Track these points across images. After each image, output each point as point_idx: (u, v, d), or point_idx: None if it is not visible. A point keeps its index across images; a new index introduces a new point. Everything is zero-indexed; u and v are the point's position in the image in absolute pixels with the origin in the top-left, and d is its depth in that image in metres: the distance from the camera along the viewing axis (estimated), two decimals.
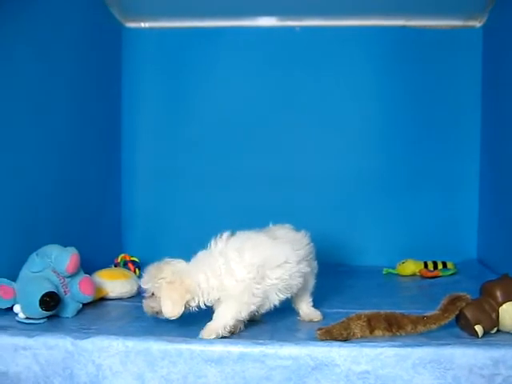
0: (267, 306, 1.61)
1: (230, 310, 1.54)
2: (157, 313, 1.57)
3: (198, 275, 1.56)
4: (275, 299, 1.61)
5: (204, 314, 1.68)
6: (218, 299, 1.56)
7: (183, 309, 1.54)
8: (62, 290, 1.71)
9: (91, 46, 2.41)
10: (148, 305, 1.59)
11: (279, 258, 1.60)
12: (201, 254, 1.62)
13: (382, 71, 2.76)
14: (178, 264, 1.59)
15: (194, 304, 1.56)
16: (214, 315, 1.56)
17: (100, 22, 2.54)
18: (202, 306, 1.57)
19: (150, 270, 1.58)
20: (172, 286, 1.53)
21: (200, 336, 1.51)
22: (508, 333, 1.54)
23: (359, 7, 2.63)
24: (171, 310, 1.53)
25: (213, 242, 1.62)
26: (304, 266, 1.67)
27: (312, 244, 1.74)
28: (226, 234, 1.62)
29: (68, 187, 2.19)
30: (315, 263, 1.76)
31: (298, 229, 1.75)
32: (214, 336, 1.50)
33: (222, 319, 1.54)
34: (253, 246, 1.59)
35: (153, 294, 1.56)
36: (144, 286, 1.58)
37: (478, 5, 2.62)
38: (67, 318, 1.71)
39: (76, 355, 1.44)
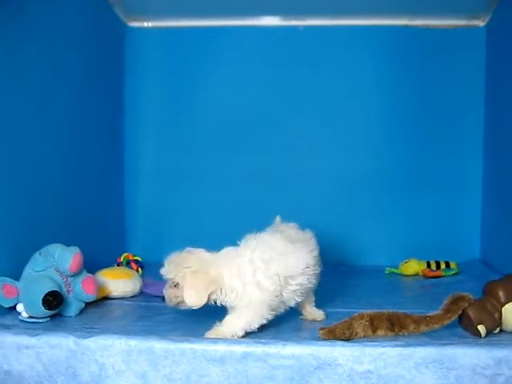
0: (282, 309, 1.62)
1: (243, 319, 1.53)
2: (179, 303, 1.56)
3: (223, 269, 1.55)
4: (292, 303, 1.62)
5: (208, 315, 1.69)
6: (234, 305, 1.56)
7: (206, 299, 1.53)
8: (65, 289, 1.72)
9: (94, 45, 2.41)
10: (171, 294, 1.57)
11: (301, 265, 1.60)
12: (228, 251, 1.60)
13: (385, 70, 2.76)
14: (203, 254, 1.58)
15: (216, 297, 1.55)
16: (225, 320, 1.55)
17: (103, 22, 2.54)
18: (218, 303, 1.57)
19: (173, 259, 1.57)
20: (197, 275, 1.52)
21: (205, 336, 1.51)
22: (511, 333, 1.54)
23: (362, 6, 2.63)
24: (195, 299, 1.53)
25: (243, 242, 1.61)
26: (317, 267, 1.68)
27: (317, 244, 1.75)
28: (252, 240, 1.61)
29: (71, 186, 2.19)
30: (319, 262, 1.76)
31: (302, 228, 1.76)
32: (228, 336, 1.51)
33: (232, 327, 1.53)
34: (279, 256, 1.58)
35: (176, 283, 1.55)
36: (167, 276, 1.56)
37: (482, 4, 2.61)
38: (70, 317, 1.71)
39: (79, 354, 1.44)
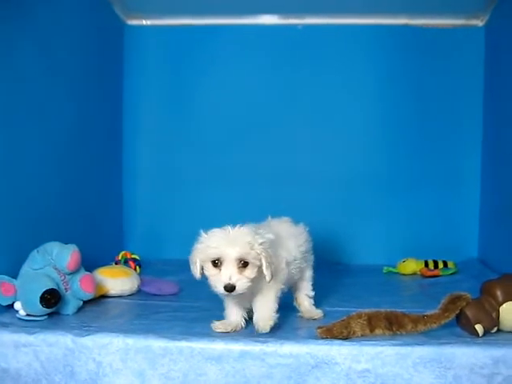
0: None
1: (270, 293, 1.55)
2: (235, 287, 1.46)
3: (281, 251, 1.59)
4: None
5: (205, 313, 1.69)
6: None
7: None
8: (63, 287, 1.71)
9: (93, 43, 2.41)
10: (234, 276, 1.46)
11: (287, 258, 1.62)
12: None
13: (385, 69, 2.75)
14: (267, 235, 1.55)
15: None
16: (258, 306, 1.55)
17: (102, 19, 2.54)
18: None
19: (247, 235, 1.50)
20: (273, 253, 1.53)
21: (260, 331, 1.50)
22: (508, 332, 1.54)
23: (362, 5, 2.63)
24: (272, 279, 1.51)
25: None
26: (304, 261, 1.71)
27: (310, 238, 1.78)
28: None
29: (69, 185, 2.19)
30: (312, 255, 1.79)
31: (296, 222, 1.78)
32: (272, 323, 1.51)
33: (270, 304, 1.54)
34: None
35: (245, 263, 1.48)
36: (242, 254, 1.47)
37: (481, 4, 2.61)
38: (68, 315, 1.71)
39: (76, 352, 1.44)
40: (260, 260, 1.49)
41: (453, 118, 2.74)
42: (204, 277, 1.53)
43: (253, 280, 1.48)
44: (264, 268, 1.49)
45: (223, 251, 1.47)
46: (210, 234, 1.52)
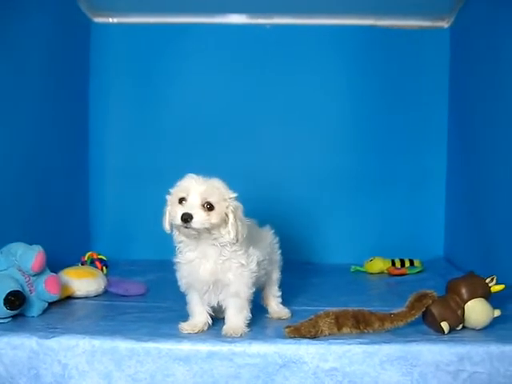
0: None
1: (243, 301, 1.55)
2: (190, 216, 1.45)
3: None
4: None
5: (172, 314, 1.68)
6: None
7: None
8: (28, 289, 1.68)
9: (59, 40, 2.37)
10: (200, 216, 1.46)
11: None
12: None
13: (352, 70, 2.78)
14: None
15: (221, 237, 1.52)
16: (231, 314, 1.55)
17: (68, 17, 2.50)
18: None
19: (218, 182, 1.53)
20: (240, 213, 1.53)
21: (229, 336, 1.49)
22: (473, 329, 1.56)
23: (329, 6, 2.64)
24: (232, 234, 1.50)
25: None
26: (269, 264, 1.70)
27: (277, 239, 1.78)
28: None
29: (34, 185, 2.16)
30: (279, 257, 1.78)
31: (264, 224, 1.77)
32: (242, 331, 1.51)
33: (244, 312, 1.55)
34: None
35: (210, 206, 1.48)
36: (208, 195, 1.48)
37: (446, 6, 2.65)
38: (33, 317, 1.68)
39: (41, 355, 1.42)
40: (226, 214, 1.50)
41: (418, 118, 2.77)
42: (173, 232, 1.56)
43: (213, 226, 1.48)
44: (230, 223, 1.50)
45: (190, 187, 1.49)
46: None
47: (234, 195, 1.54)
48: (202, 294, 1.56)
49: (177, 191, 1.52)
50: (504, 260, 2.02)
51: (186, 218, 1.45)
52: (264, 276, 1.69)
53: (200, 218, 1.46)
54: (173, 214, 1.49)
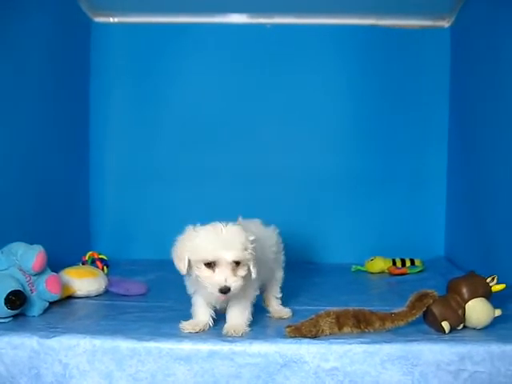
0: None
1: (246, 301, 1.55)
2: (230, 288, 1.44)
3: None
4: None
5: (173, 314, 1.68)
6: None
7: None
8: (29, 289, 1.68)
9: (59, 40, 2.38)
10: (229, 277, 1.44)
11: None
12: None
13: (353, 69, 2.77)
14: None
15: None
16: (233, 314, 1.55)
17: (68, 17, 2.50)
18: None
19: (241, 236, 1.47)
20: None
21: (230, 336, 1.49)
22: (474, 329, 1.56)
23: (330, 5, 2.64)
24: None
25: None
26: (273, 263, 1.71)
27: (281, 239, 1.78)
28: None
29: (35, 185, 2.16)
30: (283, 257, 1.79)
31: (267, 224, 1.78)
32: (244, 331, 1.51)
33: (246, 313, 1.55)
34: None
35: (238, 262, 1.46)
36: (239, 257, 1.45)
37: (447, 6, 2.65)
38: (33, 316, 1.68)
39: (42, 354, 1.42)
40: (250, 259, 1.49)
41: (419, 117, 2.77)
42: (179, 274, 1.53)
43: (243, 278, 1.48)
44: (251, 266, 1.49)
45: (219, 255, 1.44)
46: (200, 231, 1.48)
47: (252, 238, 1.50)
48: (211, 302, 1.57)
49: (202, 254, 1.46)
50: (505, 259, 2.02)
51: (226, 292, 1.44)
52: (268, 274, 1.70)
53: (236, 285, 1.45)
54: (206, 282, 1.46)
